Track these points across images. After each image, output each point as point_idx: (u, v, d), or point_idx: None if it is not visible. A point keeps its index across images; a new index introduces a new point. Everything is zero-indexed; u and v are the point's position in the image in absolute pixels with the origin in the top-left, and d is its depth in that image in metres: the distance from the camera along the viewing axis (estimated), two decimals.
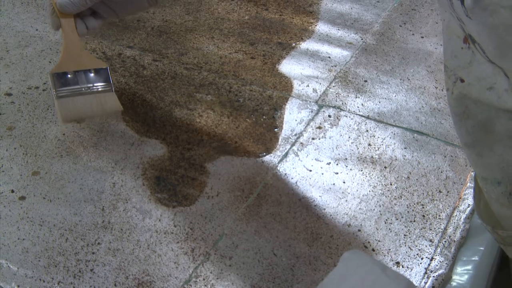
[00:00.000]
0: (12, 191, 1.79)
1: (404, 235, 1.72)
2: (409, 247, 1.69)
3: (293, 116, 2.10)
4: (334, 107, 2.14)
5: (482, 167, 1.25)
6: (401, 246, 1.69)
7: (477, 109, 1.15)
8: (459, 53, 1.13)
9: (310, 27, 2.55)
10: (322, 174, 1.89)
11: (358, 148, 1.98)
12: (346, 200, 1.81)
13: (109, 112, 1.88)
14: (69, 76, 1.78)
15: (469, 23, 0.99)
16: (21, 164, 1.88)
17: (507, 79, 1.04)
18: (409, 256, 1.66)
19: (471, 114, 1.17)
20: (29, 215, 1.72)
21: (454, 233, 1.71)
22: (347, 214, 1.77)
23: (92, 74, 1.80)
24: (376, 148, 1.98)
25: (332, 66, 2.34)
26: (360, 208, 1.79)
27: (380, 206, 1.79)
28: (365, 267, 1.15)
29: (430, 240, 1.70)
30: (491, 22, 0.93)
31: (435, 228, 1.73)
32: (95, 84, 1.82)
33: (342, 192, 1.84)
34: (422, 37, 2.51)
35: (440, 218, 1.75)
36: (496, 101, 1.08)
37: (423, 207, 1.78)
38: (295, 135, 2.02)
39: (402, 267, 1.64)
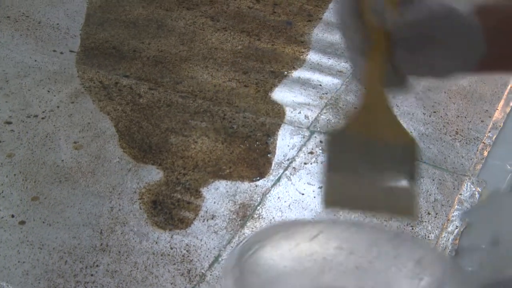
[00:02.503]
0: (12, 216, 1.84)
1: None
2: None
3: (285, 142, 2.16)
4: (325, 133, 2.20)
5: None
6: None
7: None
8: None
9: (301, 56, 2.62)
10: (314, 197, 1.94)
11: None
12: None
13: (399, 216, 1.01)
14: (354, 144, 0.97)
15: None
16: (21, 189, 1.93)
17: None
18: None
19: None
20: (29, 239, 1.77)
21: (442, 253, 1.76)
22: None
23: (389, 151, 0.97)
24: None
25: (323, 94, 2.40)
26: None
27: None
28: None
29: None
30: None
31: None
32: (388, 166, 0.99)
33: (334, 215, 1.89)
34: None
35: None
36: None
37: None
38: (288, 160, 2.08)
39: None
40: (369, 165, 0.86)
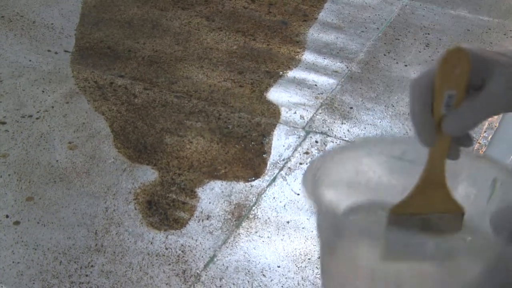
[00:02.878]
0: (7, 216, 1.83)
1: None
2: None
3: (281, 142, 2.15)
4: (321, 133, 2.20)
5: None
6: None
7: None
8: None
9: (297, 56, 2.61)
10: None
11: None
12: None
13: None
14: (413, 221, 0.97)
15: None
16: (15, 190, 1.92)
17: None
18: None
19: None
20: (23, 239, 1.76)
21: None
22: None
23: (441, 220, 1.00)
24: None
25: (318, 94, 2.40)
26: None
27: None
28: None
29: None
30: None
31: None
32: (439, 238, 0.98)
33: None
34: (406, 65, 2.58)
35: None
36: None
37: None
38: (283, 160, 2.08)
39: None
40: (422, 238, 0.85)
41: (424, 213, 0.89)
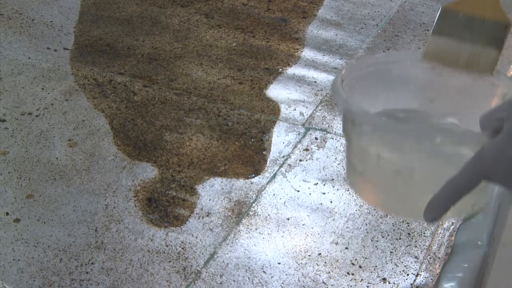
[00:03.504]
0: (7, 214, 1.83)
1: (390, 252, 1.77)
2: (395, 264, 1.73)
3: (280, 139, 2.15)
4: (320, 129, 2.20)
5: None
6: (387, 263, 1.73)
7: None
8: None
9: (296, 53, 2.61)
10: (310, 194, 1.94)
11: (344, 169, 2.03)
12: (334, 219, 1.86)
13: (480, 70, 1.28)
14: (460, 17, 1.25)
15: None
16: (15, 187, 1.92)
17: None
18: (395, 273, 1.71)
19: None
20: (23, 237, 1.76)
21: (438, 249, 1.76)
22: (334, 232, 1.82)
23: (486, 25, 1.24)
24: None
25: (318, 90, 2.40)
26: (347, 227, 1.84)
27: (366, 225, 1.84)
28: None
29: (416, 257, 1.75)
30: None
31: (420, 245, 1.78)
32: (482, 37, 1.25)
33: (330, 212, 1.89)
34: None
35: (425, 236, 1.80)
36: None
37: (408, 225, 1.84)
38: (283, 157, 2.08)
39: (389, 283, 1.69)
40: (468, 34, 1.11)
41: (472, 15, 1.09)
